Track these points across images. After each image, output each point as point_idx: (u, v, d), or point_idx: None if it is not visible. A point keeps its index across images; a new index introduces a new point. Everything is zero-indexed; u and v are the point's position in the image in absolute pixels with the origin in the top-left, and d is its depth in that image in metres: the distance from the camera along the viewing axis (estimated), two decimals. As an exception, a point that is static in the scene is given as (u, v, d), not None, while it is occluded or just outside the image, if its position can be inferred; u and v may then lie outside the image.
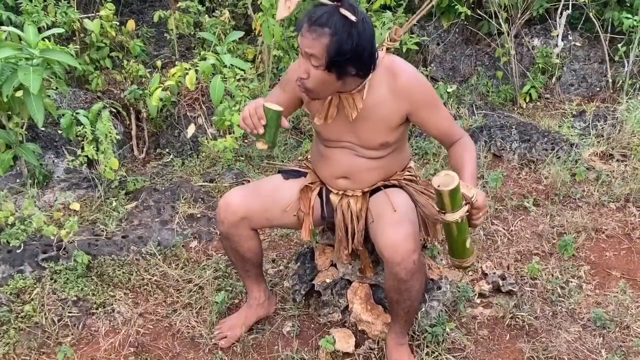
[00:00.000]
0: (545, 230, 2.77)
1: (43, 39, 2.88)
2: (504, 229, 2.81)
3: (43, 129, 3.41)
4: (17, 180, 3.08)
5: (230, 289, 2.43)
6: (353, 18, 1.66)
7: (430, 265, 2.28)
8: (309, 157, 2.24)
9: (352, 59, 1.71)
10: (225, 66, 3.34)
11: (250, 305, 2.25)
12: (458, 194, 1.58)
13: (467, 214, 1.64)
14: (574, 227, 2.77)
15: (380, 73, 1.84)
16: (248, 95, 3.35)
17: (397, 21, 4.11)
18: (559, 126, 3.60)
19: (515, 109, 4.02)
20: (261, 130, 1.74)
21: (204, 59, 3.32)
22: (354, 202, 2.05)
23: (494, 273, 2.44)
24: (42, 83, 2.67)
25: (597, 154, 3.32)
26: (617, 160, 3.26)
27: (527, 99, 4.15)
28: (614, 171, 3.15)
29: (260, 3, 3.52)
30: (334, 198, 2.08)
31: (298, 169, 2.19)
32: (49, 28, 3.52)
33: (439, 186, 1.57)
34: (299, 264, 2.41)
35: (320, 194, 2.12)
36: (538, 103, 4.09)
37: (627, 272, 2.53)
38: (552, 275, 2.48)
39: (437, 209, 1.64)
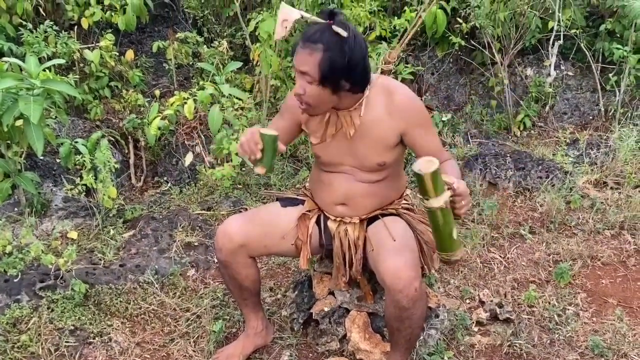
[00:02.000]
0: (542, 258, 2.78)
1: (44, 70, 2.93)
2: (500, 256, 2.82)
3: (42, 157, 3.43)
4: (15, 209, 3.08)
5: (228, 317, 2.42)
6: (344, 34, 1.73)
7: (428, 294, 2.28)
8: (306, 184, 2.26)
9: (344, 73, 1.78)
10: (224, 96, 3.38)
11: (248, 334, 2.24)
12: (439, 177, 1.58)
13: (451, 199, 1.63)
14: (569, 254, 2.79)
15: (376, 92, 1.90)
16: (246, 124, 3.39)
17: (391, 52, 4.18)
18: (553, 154, 3.64)
19: (510, 137, 4.07)
20: (259, 155, 1.80)
21: (203, 88, 3.37)
22: (351, 229, 2.06)
23: (491, 301, 2.45)
24: (42, 113, 2.70)
25: (591, 181, 3.35)
26: (611, 188, 3.29)
27: (522, 127, 4.20)
28: (608, 199, 3.18)
29: (258, 34, 3.58)
30: (331, 225, 2.09)
31: (296, 197, 2.22)
32: (49, 58, 3.56)
33: (419, 170, 1.56)
34: (296, 292, 2.42)
35: (318, 222, 2.14)
36: (532, 131, 4.14)
37: (623, 300, 2.54)
38: (549, 303, 2.48)
39: (420, 197, 1.62)
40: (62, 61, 2.98)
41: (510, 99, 4.22)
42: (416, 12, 4.06)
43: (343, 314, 2.26)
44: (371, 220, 2.07)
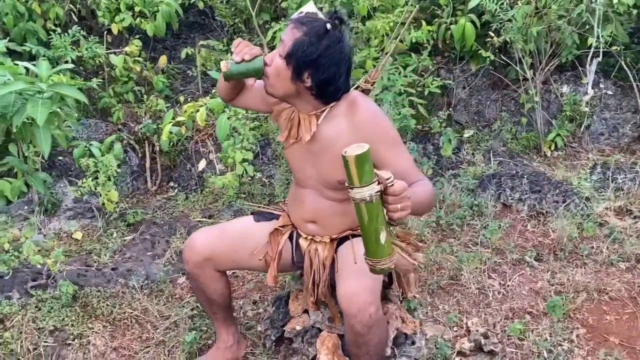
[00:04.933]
0: (544, 288, 2.62)
1: (57, 73, 3.03)
2: (500, 283, 2.68)
3: (60, 158, 3.54)
4: (26, 207, 3.19)
5: (205, 329, 2.41)
6: (328, 26, 1.74)
7: (404, 319, 2.19)
8: (286, 200, 2.22)
9: (310, 65, 1.75)
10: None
11: (218, 348, 2.22)
12: (367, 164, 1.42)
13: (379, 193, 1.46)
14: (574, 285, 2.61)
15: (342, 106, 1.85)
16: (257, 133, 3.38)
17: (421, 64, 4.08)
18: (578, 177, 3.44)
19: (536, 157, 3.88)
20: (238, 59, 1.81)
21: (213, 96, 3.39)
22: (321, 248, 2.01)
23: (477, 330, 2.32)
24: (49, 115, 2.78)
25: (613, 208, 3.14)
26: (635, 217, 3.07)
27: (553, 147, 4.00)
28: (628, 228, 2.97)
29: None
30: (303, 243, 2.05)
31: (272, 211, 2.18)
32: (74, 62, 3.68)
33: (345, 152, 1.41)
34: (274, 308, 2.37)
35: (291, 238, 2.09)
36: (562, 152, 3.94)
37: (626, 339, 2.36)
38: (541, 337, 2.33)
39: (347, 185, 1.46)
40: (70, 66, 3.07)
41: (541, 116, 4.03)
42: (438, 24, 3.98)
43: (316, 333, 2.19)
44: (343, 240, 2.01)
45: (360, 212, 1.49)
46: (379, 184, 1.46)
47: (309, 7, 1.86)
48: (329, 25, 1.74)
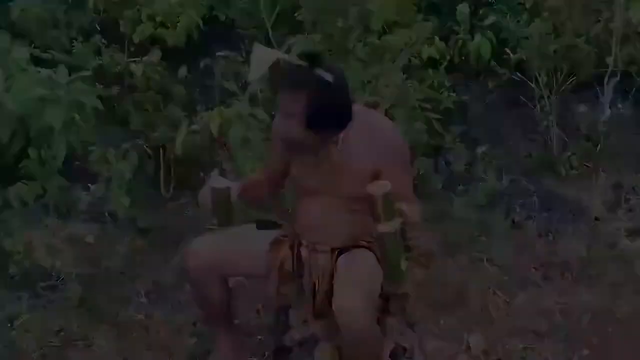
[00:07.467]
0: (549, 307, 2.60)
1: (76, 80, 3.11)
2: (505, 301, 2.67)
3: (77, 163, 3.61)
4: (41, 211, 3.26)
5: (208, 335, 2.43)
6: (329, 78, 1.69)
7: (403, 332, 2.19)
8: (289, 209, 2.25)
9: (328, 115, 1.75)
10: (251, 115, 3.43)
11: (217, 354, 2.24)
12: (391, 202, 1.56)
13: (402, 227, 1.61)
14: (581, 306, 2.59)
15: (356, 124, 1.84)
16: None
17: (436, 80, 4.09)
18: (590, 197, 3.40)
19: (550, 175, 3.84)
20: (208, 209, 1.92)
21: (229, 106, 3.45)
22: (322, 258, 2.02)
23: (477, 347, 2.32)
24: (63, 121, 2.86)
25: (626, 229, 3.11)
26: (647, 239, 3.03)
27: (568, 166, 3.96)
28: (638, 249, 2.93)
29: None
30: (304, 252, 2.06)
31: (275, 221, 2.20)
32: (94, 70, 3.77)
33: (373, 190, 1.56)
34: (275, 317, 2.39)
35: (293, 248, 2.11)
36: (576, 171, 3.89)
37: (631, 362, 2.33)
38: (543, 357, 2.31)
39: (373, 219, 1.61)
40: (88, 73, 3.15)
41: (556, 135, 4.00)
42: (455, 40, 3.99)
43: (315, 344, 2.21)
44: (344, 251, 2.02)
45: (384, 244, 1.63)
46: (400, 216, 1.59)
47: (262, 53, 1.71)
48: (319, 72, 1.67)
